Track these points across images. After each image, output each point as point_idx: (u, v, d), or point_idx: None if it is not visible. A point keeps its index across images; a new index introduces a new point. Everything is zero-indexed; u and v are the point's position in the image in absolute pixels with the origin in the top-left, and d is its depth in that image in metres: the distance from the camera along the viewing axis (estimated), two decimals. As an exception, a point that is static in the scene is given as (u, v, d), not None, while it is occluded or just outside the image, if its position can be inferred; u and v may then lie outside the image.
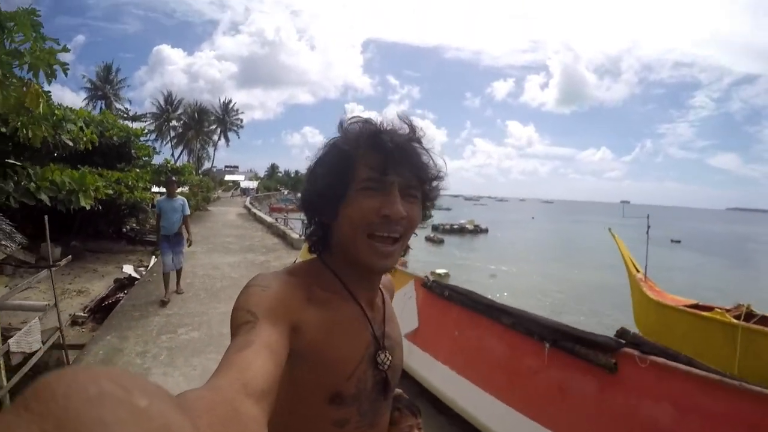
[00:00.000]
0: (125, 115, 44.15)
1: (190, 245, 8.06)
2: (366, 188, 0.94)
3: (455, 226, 45.75)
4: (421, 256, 26.75)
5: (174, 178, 8.97)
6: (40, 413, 0.24)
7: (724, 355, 5.66)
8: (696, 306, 6.98)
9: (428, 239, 36.31)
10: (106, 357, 4.90)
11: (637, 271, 8.88)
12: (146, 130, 41.07)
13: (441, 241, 36.78)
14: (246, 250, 12.98)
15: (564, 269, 25.82)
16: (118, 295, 8.34)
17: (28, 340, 4.40)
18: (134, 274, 10.00)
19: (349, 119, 1.03)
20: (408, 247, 1.06)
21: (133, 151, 15.89)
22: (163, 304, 7.16)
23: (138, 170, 15.07)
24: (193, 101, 61.14)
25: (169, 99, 57.83)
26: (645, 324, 7.64)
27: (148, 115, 54.96)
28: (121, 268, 10.75)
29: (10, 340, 4.10)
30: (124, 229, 15.96)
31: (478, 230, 47.30)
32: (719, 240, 65.70)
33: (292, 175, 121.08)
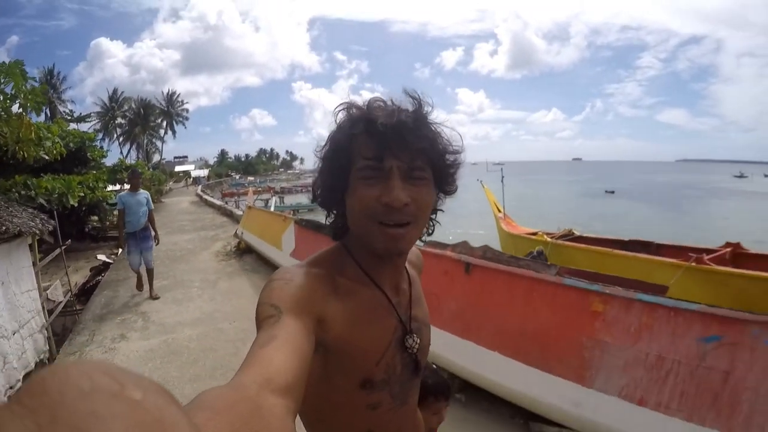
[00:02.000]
0: (70, 117, 45.22)
1: (158, 243, 8.00)
2: (364, 177, 0.92)
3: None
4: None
5: (138, 171, 8.57)
6: (34, 408, 0.24)
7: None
8: (534, 233, 9.57)
9: None
10: (107, 302, 7.27)
11: (499, 211, 11.17)
12: (93, 130, 42.31)
13: None
14: (199, 228, 15.48)
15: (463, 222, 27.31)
16: (97, 278, 9.94)
17: (56, 293, 6.74)
18: (108, 260, 11.68)
19: (342, 104, 0.99)
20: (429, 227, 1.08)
21: (88, 154, 17.81)
22: (156, 298, 7.40)
23: (95, 172, 16.81)
24: (137, 97, 61.92)
25: (113, 96, 58.38)
26: (503, 247, 10.05)
27: (92, 115, 55.22)
28: (95, 257, 12.77)
29: (47, 291, 6.43)
30: (86, 229, 16.73)
31: None
32: (656, 189, 69.56)
33: (243, 159, 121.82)
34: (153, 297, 7.43)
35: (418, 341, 1.07)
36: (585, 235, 9.00)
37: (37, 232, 5.43)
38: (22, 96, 7.83)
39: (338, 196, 0.98)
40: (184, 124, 68.86)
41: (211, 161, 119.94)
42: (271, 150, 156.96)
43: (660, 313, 3.11)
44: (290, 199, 42.71)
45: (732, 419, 2.68)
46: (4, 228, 4.55)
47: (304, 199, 39.93)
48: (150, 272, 7.63)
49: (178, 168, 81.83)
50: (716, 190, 65.07)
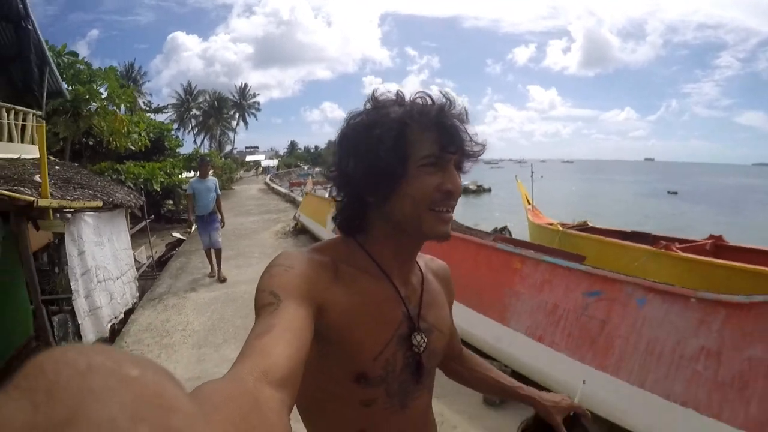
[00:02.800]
0: (148, 108, 48.41)
1: (223, 226, 8.34)
2: (426, 164, 0.93)
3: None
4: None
5: (207, 159, 9.28)
6: (29, 388, 0.24)
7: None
8: (551, 223, 10.69)
9: None
10: (181, 266, 8.94)
11: (528, 203, 11.99)
12: (169, 121, 45.00)
13: None
14: (263, 212, 17.21)
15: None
16: (171, 253, 11.53)
17: (141, 257, 8.50)
18: (181, 237, 13.13)
19: (386, 93, 1.01)
20: None
21: (165, 143, 19.92)
22: (223, 281, 7.90)
23: (172, 159, 18.76)
24: (211, 90, 65.13)
25: (188, 89, 61.84)
26: (531, 235, 11.01)
27: (169, 106, 58.66)
28: (170, 234, 14.64)
29: (135, 253, 8.16)
30: (162, 211, 17.93)
31: (481, 190, 49.26)
32: (723, 191, 66.79)
33: (312, 151, 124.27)
34: (221, 280, 7.92)
35: (426, 341, 1.04)
36: (596, 226, 9.98)
37: (132, 205, 7.11)
38: (117, 96, 9.71)
39: (390, 182, 0.94)
40: (255, 116, 71.91)
41: (282, 152, 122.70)
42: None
43: (558, 271, 4.03)
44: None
45: (605, 359, 3.39)
46: (111, 199, 6.24)
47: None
48: (218, 252, 8.13)
49: (249, 158, 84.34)
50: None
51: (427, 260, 1.19)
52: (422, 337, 1.03)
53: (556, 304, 3.89)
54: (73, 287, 5.06)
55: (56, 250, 6.01)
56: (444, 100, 0.97)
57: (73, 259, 5.11)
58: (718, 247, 7.38)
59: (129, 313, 6.56)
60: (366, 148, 0.95)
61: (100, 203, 5.65)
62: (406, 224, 0.97)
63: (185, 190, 9.89)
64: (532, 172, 13.24)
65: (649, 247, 6.90)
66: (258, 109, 72.11)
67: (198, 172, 8.34)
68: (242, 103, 68.37)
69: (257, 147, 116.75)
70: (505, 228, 9.02)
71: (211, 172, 8.79)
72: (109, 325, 5.77)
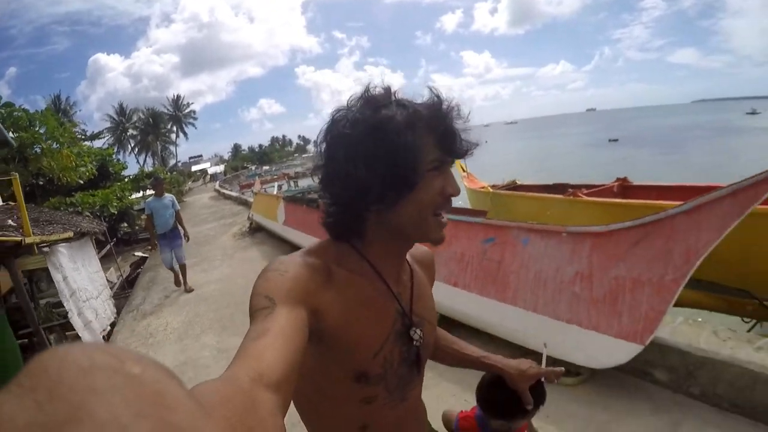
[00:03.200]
0: (84, 136, 47.98)
1: (188, 240, 8.69)
2: (432, 169, 0.93)
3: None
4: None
5: (160, 177, 9.64)
6: (32, 387, 0.25)
7: (486, 208, 9.30)
8: (483, 186, 11.27)
9: None
10: (150, 279, 9.69)
11: (463, 171, 12.26)
12: (107, 145, 44.63)
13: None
14: (218, 218, 17.85)
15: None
16: (137, 271, 12.10)
17: (111, 276, 9.25)
18: (144, 254, 13.43)
19: (379, 91, 0.98)
20: None
21: (109, 168, 20.35)
22: (190, 291, 8.18)
23: (119, 183, 19.42)
24: (144, 107, 64.60)
25: (120, 111, 61.19)
26: (469, 200, 11.47)
27: (104, 131, 58.02)
28: (132, 254, 15.17)
29: (106, 274, 8.91)
30: (118, 235, 18.42)
31: None
32: (663, 133, 69.47)
33: (257, 150, 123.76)
34: (187, 290, 8.18)
35: (422, 334, 1.06)
36: (523, 183, 10.88)
37: (96, 231, 7.87)
38: (59, 135, 10.38)
39: (399, 190, 0.92)
40: (194, 125, 71.63)
41: (226, 156, 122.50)
42: (284, 137, 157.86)
43: (462, 226, 4.64)
44: (304, 183, 45.06)
45: (504, 292, 4.03)
46: (78, 229, 7.01)
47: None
48: (183, 267, 8.34)
49: (194, 168, 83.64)
50: (725, 129, 63.67)
51: (411, 249, 1.13)
52: (418, 332, 1.05)
53: (463, 253, 4.52)
54: (66, 307, 5.94)
55: (27, 287, 6.78)
56: (436, 99, 0.97)
57: (60, 283, 5.95)
58: (624, 188, 8.11)
59: (112, 326, 7.36)
60: (378, 153, 0.91)
61: (71, 234, 6.46)
62: (410, 230, 0.97)
63: (141, 210, 10.20)
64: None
65: (561, 197, 7.67)
66: (195, 118, 71.91)
67: (154, 191, 8.47)
68: (177, 115, 68.10)
69: (201, 156, 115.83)
70: (516, 184, 9.96)
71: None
72: (100, 337, 6.63)
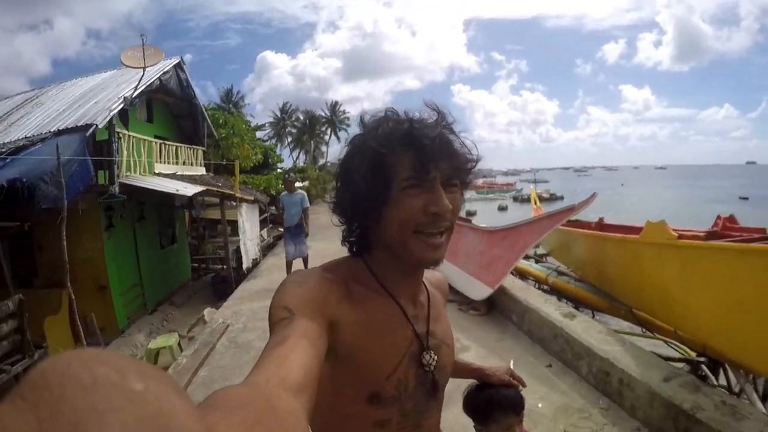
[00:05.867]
0: (249, 127, 54.13)
1: (307, 236, 9.00)
2: (409, 187, 0.93)
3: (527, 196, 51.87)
4: (489, 220, 34.81)
5: (292, 176, 9.97)
6: (35, 402, 0.25)
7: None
8: None
9: (500, 208, 46.58)
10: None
11: (535, 203, 13.60)
12: (267, 137, 50.72)
13: (505, 208, 45.60)
14: (348, 213, 22.49)
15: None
16: (276, 242, 16.64)
17: (263, 236, 14.00)
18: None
19: (374, 115, 1.02)
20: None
21: (269, 160, 25.81)
22: None
23: (275, 173, 24.81)
24: (303, 108, 71.62)
25: (283, 109, 68.42)
26: None
27: (266, 125, 64.52)
28: (278, 229, 20.01)
29: (262, 232, 13.64)
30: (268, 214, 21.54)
31: (553, 198, 53.92)
32: None
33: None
34: None
35: (436, 358, 1.06)
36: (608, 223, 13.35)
37: (262, 201, 12.57)
38: (243, 134, 15.53)
39: (375, 207, 0.95)
40: (346, 130, 77.45)
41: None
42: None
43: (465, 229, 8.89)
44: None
45: (456, 259, 7.11)
46: (253, 198, 11.77)
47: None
48: (305, 260, 9.00)
49: None
50: None
51: (427, 275, 1.17)
52: (431, 356, 1.05)
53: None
54: (240, 237, 10.73)
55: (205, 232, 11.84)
56: (421, 115, 0.98)
57: (242, 223, 10.75)
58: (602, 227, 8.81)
59: (255, 262, 11.91)
60: (349, 178, 0.99)
61: (252, 198, 11.20)
62: (396, 248, 0.97)
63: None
64: (535, 181, 17.03)
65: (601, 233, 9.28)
66: (348, 124, 77.45)
67: (285, 188, 9.30)
68: (333, 119, 73.78)
69: None
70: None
71: (303, 183, 12.27)
72: (252, 259, 11.39)
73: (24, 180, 6.23)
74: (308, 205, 8.91)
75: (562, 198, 54.11)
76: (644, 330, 5.26)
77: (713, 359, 4.28)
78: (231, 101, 54.18)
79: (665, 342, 5.00)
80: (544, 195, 52.29)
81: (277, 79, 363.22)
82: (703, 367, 4.46)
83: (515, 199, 55.27)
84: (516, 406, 1.49)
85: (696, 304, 4.19)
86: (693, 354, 4.61)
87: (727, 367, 4.30)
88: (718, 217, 6.00)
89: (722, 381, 4.49)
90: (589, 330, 4.64)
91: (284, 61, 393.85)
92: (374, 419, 0.98)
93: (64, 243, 5.20)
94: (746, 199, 53.49)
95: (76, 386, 0.26)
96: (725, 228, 5.63)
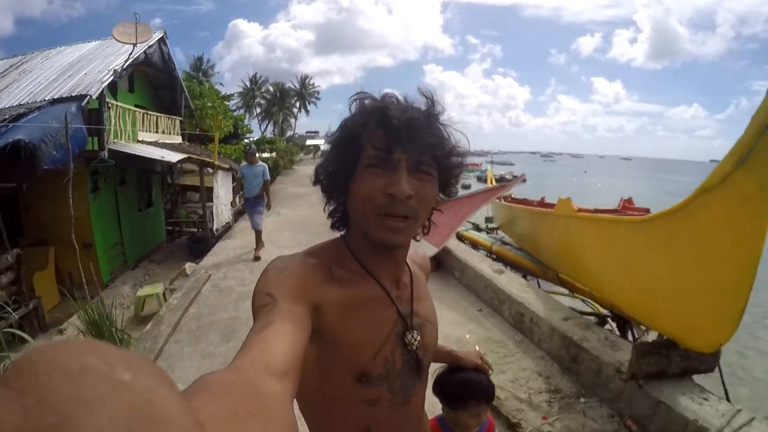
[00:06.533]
0: (220, 99, 54.54)
1: (269, 209, 9.08)
2: (372, 165, 0.95)
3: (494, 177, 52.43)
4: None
5: (253, 147, 10.01)
6: (21, 390, 0.25)
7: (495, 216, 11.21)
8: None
9: (463, 186, 45.64)
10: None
11: (491, 183, 13.81)
12: (235, 107, 51.07)
13: (468, 187, 45.91)
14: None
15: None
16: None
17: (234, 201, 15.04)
18: None
19: (357, 95, 1.04)
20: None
21: (239, 130, 26.69)
22: (256, 259, 8.70)
23: (244, 143, 25.91)
24: (273, 80, 71.46)
25: (253, 79, 68.37)
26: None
27: (235, 95, 64.35)
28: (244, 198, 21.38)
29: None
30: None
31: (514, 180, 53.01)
32: None
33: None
34: (255, 258, 8.78)
35: (419, 338, 1.08)
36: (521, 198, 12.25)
37: (234, 169, 13.52)
38: (217, 106, 16.45)
39: (343, 183, 1.00)
40: (315, 104, 78.12)
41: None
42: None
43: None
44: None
45: (434, 238, 8.13)
46: (228, 166, 12.75)
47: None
48: (258, 234, 9.02)
49: (309, 142, 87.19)
50: None
51: (410, 254, 1.19)
52: (414, 335, 1.07)
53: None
54: (215, 201, 11.78)
55: (178, 197, 12.93)
56: (410, 100, 1.00)
57: (217, 188, 11.83)
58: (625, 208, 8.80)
59: (228, 225, 12.99)
60: (328, 153, 1.04)
61: (227, 166, 12.22)
62: (362, 227, 1.00)
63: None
64: (492, 163, 18.00)
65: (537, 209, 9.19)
66: (318, 98, 78.04)
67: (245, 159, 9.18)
68: (302, 93, 74.16)
69: (317, 132, 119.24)
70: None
71: (270, 155, 13.17)
72: (224, 223, 12.51)
73: (27, 141, 6.86)
74: (269, 177, 8.91)
75: (524, 181, 54.41)
76: (571, 291, 5.86)
77: (619, 315, 4.75)
78: (201, 70, 54.41)
79: (582, 300, 5.80)
80: (507, 177, 52.20)
81: (248, 49, 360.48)
82: (609, 320, 5.27)
83: (479, 178, 56.13)
84: (488, 394, 1.56)
85: (596, 268, 4.83)
86: (603, 311, 5.40)
87: (632, 323, 4.84)
88: (621, 199, 7.20)
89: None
90: (512, 282, 5.78)
91: (256, 31, 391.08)
92: (364, 398, 1.00)
93: (71, 202, 5.99)
94: None
95: (64, 375, 0.26)
96: (624, 207, 6.81)
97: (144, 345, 4.91)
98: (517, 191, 10.80)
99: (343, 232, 1.11)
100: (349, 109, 1.03)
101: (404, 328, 1.06)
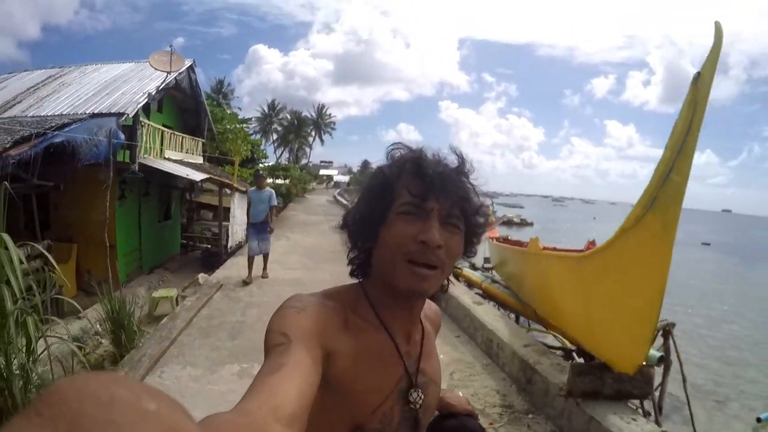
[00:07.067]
0: (241, 125, 55.36)
1: (271, 232, 9.06)
2: (405, 213, 0.96)
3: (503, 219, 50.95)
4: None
5: (262, 173, 10.19)
6: (52, 417, 0.25)
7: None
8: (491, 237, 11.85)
9: None
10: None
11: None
12: (252, 131, 52.21)
13: None
14: (326, 214, 24.69)
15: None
16: None
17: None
18: None
19: (394, 144, 1.06)
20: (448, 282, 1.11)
21: (254, 155, 27.78)
22: (245, 284, 8.57)
23: (259, 168, 26.75)
24: (291, 108, 73.45)
25: (271, 106, 69.80)
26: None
27: (253, 119, 64.86)
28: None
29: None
30: None
31: (523, 224, 54.78)
32: (762, 244, 68.67)
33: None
34: (263, 276, 9.13)
35: (423, 397, 1.06)
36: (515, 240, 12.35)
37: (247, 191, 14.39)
38: (238, 131, 17.53)
39: (372, 229, 0.99)
40: (330, 134, 79.31)
41: (355, 169, 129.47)
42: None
43: None
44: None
45: None
46: (245, 189, 13.57)
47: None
48: (265, 256, 9.24)
49: (322, 171, 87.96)
50: None
51: (424, 307, 1.17)
52: (419, 394, 1.05)
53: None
54: (231, 221, 12.73)
55: (193, 214, 13.96)
56: (442, 155, 1.03)
57: (234, 209, 12.77)
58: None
59: (240, 244, 13.71)
60: (360, 198, 1.06)
61: (244, 189, 13.17)
62: (387, 275, 0.99)
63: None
64: (494, 211, 18.06)
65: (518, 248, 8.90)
66: (333, 128, 79.03)
67: (256, 185, 9.29)
68: (319, 122, 75.54)
69: (331, 162, 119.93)
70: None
71: (281, 181, 14.07)
72: (237, 241, 13.37)
73: (70, 142, 7.91)
74: (275, 203, 9.19)
75: (531, 224, 55.85)
76: (545, 328, 6.17)
77: (583, 351, 4.95)
78: (221, 92, 55.61)
79: (554, 336, 6.27)
80: (516, 220, 53.52)
81: (267, 74, 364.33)
82: (574, 354, 5.65)
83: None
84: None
85: (559, 303, 5.04)
86: (571, 346, 5.80)
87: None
88: (587, 241, 7.93)
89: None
90: (488, 313, 6.36)
91: (276, 57, 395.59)
92: None
93: (108, 204, 6.83)
94: (708, 244, 54.95)
95: (94, 402, 0.27)
96: (588, 248, 7.49)
97: (160, 333, 5.61)
98: (517, 234, 11.17)
99: (360, 280, 1.11)
100: (387, 157, 1.06)
101: (408, 385, 1.05)
